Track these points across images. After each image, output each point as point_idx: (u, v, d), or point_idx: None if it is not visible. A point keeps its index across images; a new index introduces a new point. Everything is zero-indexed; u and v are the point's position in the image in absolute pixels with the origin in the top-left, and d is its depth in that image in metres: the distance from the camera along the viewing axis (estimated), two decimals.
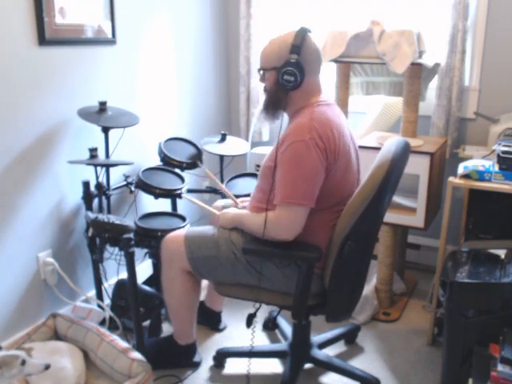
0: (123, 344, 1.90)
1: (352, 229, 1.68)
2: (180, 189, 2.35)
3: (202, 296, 2.29)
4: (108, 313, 2.24)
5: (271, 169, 1.76)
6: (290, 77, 1.71)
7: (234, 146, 2.71)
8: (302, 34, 1.72)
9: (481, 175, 2.07)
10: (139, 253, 2.34)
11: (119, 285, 2.25)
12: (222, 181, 2.68)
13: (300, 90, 1.75)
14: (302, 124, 1.70)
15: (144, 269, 2.66)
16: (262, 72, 1.81)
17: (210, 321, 2.40)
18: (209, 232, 1.94)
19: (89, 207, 2.22)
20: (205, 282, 2.25)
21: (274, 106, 1.80)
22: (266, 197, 1.79)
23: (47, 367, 1.63)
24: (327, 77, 2.77)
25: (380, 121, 2.78)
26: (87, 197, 2.20)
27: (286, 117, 1.85)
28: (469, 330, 1.76)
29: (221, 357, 2.16)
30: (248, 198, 2.08)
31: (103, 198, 2.27)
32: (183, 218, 2.35)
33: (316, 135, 1.66)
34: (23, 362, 1.57)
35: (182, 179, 2.43)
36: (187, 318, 2.07)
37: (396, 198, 2.59)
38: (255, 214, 1.82)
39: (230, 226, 1.91)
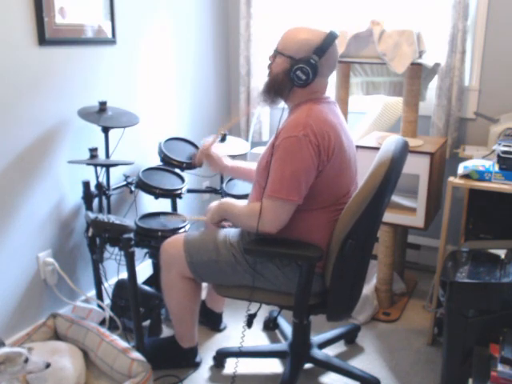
0: (123, 344, 1.90)
1: (353, 228, 1.68)
2: (180, 189, 2.35)
3: (203, 296, 2.29)
4: (108, 313, 2.24)
5: (267, 164, 1.75)
6: (302, 74, 1.69)
7: (234, 146, 2.71)
8: (331, 39, 1.70)
9: (481, 175, 2.07)
10: (139, 253, 2.34)
11: (119, 285, 2.25)
12: (221, 181, 2.68)
13: (305, 88, 1.74)
14: (297, 120, 1.69)
15: (144, 269, 2.66)
16: (274, 53, 1.78)
17: (211, 321, 2.40)
18: (208, 236, 1.93)
19: (89, 207, 2.22)
20: (205, 283, 2.25)
21: (275, 93, 1.78)
22: (263, 192, 1.77)
23: (48, 366, 1.63)
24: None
25: (380, 121, 2.78)
26: (87, 197, 2.20)
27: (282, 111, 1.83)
28: (469, 330, 1.76)
29: (221, 357, 2.16)
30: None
31: (103, 197, 2.27)
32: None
33: (310, 132, 1.65)
34: (26, 360, 1.58)
35: (182, 179, 2.43)
36: (188, 321, 2.07)
37: (396, 198, 2.59)
38: (242, 204, 1.83)
39: (217, 218, 1.91)
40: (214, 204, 1.94)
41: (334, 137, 1.70)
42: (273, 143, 1.73)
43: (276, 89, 1.77)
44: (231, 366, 2.16)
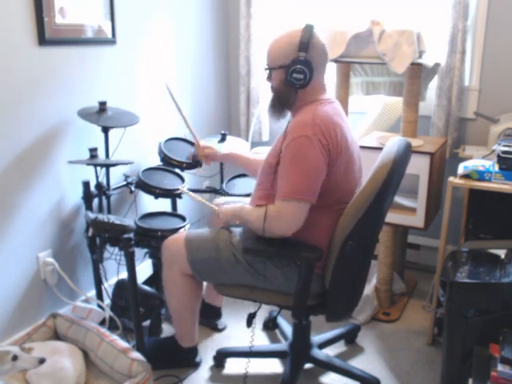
0: (123, 344, 1.90)
1: (354, 229, 1.68)
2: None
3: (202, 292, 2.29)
4: (108, 313, 2.24)
5: (272, 166, 1.76)
6: (299, 75, 1.69)
7: (234, 146, 2.71)
8: (309, 31, 1.70)
9: (481, 175, 2.07)
10: (139, 253, 2.34)
11: (119, 285, 2.25)
12: (221, 181, 2.68)
13: (306, 88, 1.74)
14: (305, 121, 1.69)
15: (144, 269, 2.66)
16: (268, 71, 1.79)
17: (210, 316, 2.40)
18: (209, 234, 1.94)
19: (89, 207, 2.22)
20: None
21: (281, 105, 1.78)
22: (266, 194, 1.78)
23: (42, 361, 1.60)
24: (327, 77, 2.78)
25: (380, 121, 2.78)
26: (87, 197, 2.20)
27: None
28: (469, 330, 1.76)
29: (221, 357, 2.16)
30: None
31: (103, 197, 2.27)
32: (183, 218, 2.36)
33: (319, 132, 1.65)
34: (14, 358, 1.55)
35: (182, 179, 2.43)
36: (189, 319, 2.07)
37: (396, 198, 2.59)
38: (256, 208, 1.80)
39: (231, 221, 1.89)
40: (229, 207, 1.89)
41: (341, 136, 1.70)
42: (280, 145, 1.73)
43: (281, 100, 1.77)
44: (231, 366, 2.16)
